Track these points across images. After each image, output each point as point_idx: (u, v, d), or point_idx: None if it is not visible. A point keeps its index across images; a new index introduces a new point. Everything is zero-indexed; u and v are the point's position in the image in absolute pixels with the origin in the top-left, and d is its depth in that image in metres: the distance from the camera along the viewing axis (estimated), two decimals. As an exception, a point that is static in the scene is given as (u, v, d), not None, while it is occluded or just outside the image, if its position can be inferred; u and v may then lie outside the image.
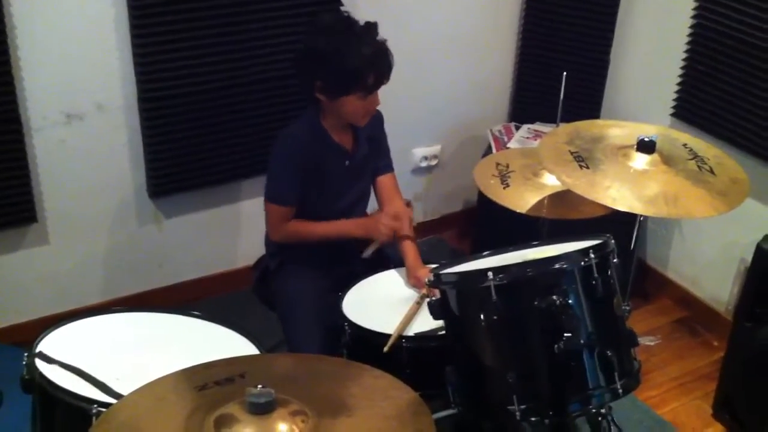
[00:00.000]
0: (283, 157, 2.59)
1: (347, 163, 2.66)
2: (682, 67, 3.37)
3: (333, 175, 2.64)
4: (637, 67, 3.64)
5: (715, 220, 3.07)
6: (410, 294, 2.55)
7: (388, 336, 2.28)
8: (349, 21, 2.52)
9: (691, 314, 3.59)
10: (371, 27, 2.49)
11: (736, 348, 2.96)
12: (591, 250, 1.96)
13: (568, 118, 2.70)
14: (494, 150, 3.62)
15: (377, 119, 2.71)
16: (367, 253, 2.65)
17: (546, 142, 2.48)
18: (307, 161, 2.56)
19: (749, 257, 2.93)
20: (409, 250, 2.64)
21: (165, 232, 3.38)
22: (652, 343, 3.43)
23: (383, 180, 2.79)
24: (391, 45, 2.54)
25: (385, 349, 2.23)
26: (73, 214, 3.16)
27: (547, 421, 2.02)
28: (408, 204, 2.73)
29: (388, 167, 2.80)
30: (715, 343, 3.42)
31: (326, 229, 2.63)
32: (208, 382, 1.71)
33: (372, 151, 2.73)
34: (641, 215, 2.46)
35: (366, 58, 2.42)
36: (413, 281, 2.57)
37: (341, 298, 2.50)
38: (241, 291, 3.03)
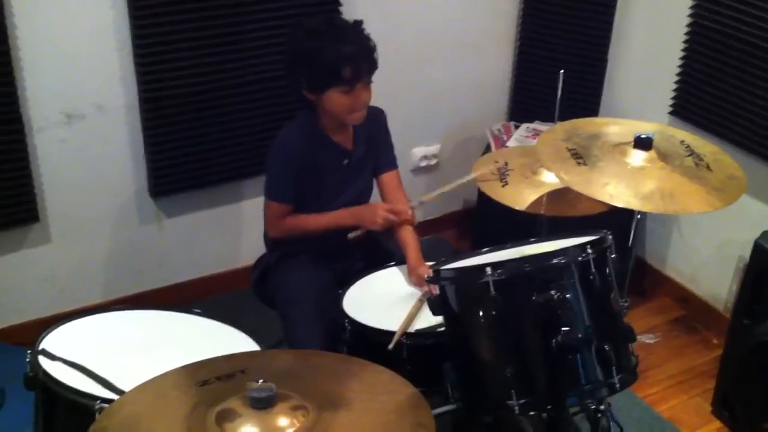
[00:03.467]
0: (280, 155, 2.61)
1: (346, 161, 2.67)
2: (680, 65, 3.38)
3: (331, 174, 2.66)
4: (634, 66, 3.65)
5: (713, 218, 3.09)
6: (411, 291, 2.56)
7: (389, 333, 2.30)
8: (331, 20, 2.56)
9: (690, 312, 3.60)
10: (355, 24, 2.53)
11: (735, 345, 2.97)
12: (588, 246, 1.97)
13: (567, 116, 2.70)
14: (493, 149, 3.63)
15: (379, 117, 2.72)
16: (354, 234, 2.65)
17: (544, 140, 2.50)
18: (303, 159, 2.58)
19: (747, 255, 2.94)
20: (411, 248, 2.65)
21: (166, 231, 3.39)
22: (650, 341, 3.44)
23: (386, 177, 2.79)
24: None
25: (390, 346, 2.24)
26: (75, 214, 3.17)
27: (545, 415, 2.04)
28: (412, 210, 2.74)
29: (391, 164, 2.80)
30: (714, 341, 3.43)
31: (321, 220, 2.65)
32: (209, 378, 1.72)
33: (372, 149, 2.74)
34: (638, 212, 2.48)
35: (342, 52, 2.44)
36: (415, 279, 2.58)
37: (342, 295, 2.51)
38: (242, 291, 3.03)
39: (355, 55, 2.47)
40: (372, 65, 2.53)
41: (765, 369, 2.84)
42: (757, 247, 2.87)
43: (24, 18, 2.80)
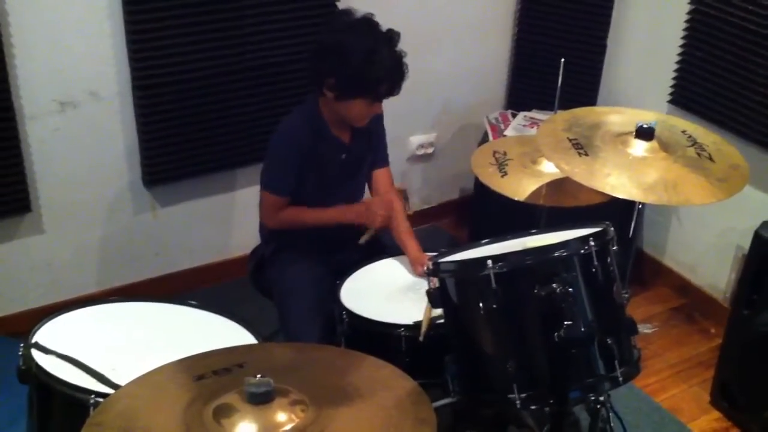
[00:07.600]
0: (280, 147, 2.59)
1: (343, 156, 2.65)
2: (680, 54, 3.35)
3: (329, 168, 2.64)
4: (634, 54, 3.62)
5: (712, 207, 3.06)
6: (409, 282, 2.54)
7: (387, 324, 2.29)
8: (371, 24, 2.50)
9: (689, 301, 3.59)
10: (394, 36, 2.48)
11: (734, 335, 2.96)
12: (591, 238, 1.95)
13: (565, 104, 2.68)
14: (491, 137, 3.60)
15: (377, 114, 2.69)
16: (364, 239, 2.65)
17: (544, 129, 2.46)
18: (303, 153, 2.56)
19: (747, 244, 2.93)
20: (410, 242, 2.63)
21: (160, 220, 3.36)
22: (649, 331, 3.43)
23: (378, 174, 2.79)
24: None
25: (420, 338, 2.21)
26: (68, 203, 3.14)
27: (547, 409, 2.02)
28: (401, 191, 2.72)
29: (383, 161, 2.80)
30: (713, 331, 3.43)
31: (319, 215, 2.63)
32: (206, 372, 1.70)
33: (369, 145, 2.72)
34: (640, 203, 2.45)
35: (384, 70, 2.43)
36: (420, 269, 2.54)
37: (339, 287, 2.49)
38: (238, 280, 3.02)
39: (395, 75, 2.47)
40: (402, 84, 2.52)
41: (764, 359, 2.83)
42: (757, 237, 2.86)
43: (16, 4, 2.75)
